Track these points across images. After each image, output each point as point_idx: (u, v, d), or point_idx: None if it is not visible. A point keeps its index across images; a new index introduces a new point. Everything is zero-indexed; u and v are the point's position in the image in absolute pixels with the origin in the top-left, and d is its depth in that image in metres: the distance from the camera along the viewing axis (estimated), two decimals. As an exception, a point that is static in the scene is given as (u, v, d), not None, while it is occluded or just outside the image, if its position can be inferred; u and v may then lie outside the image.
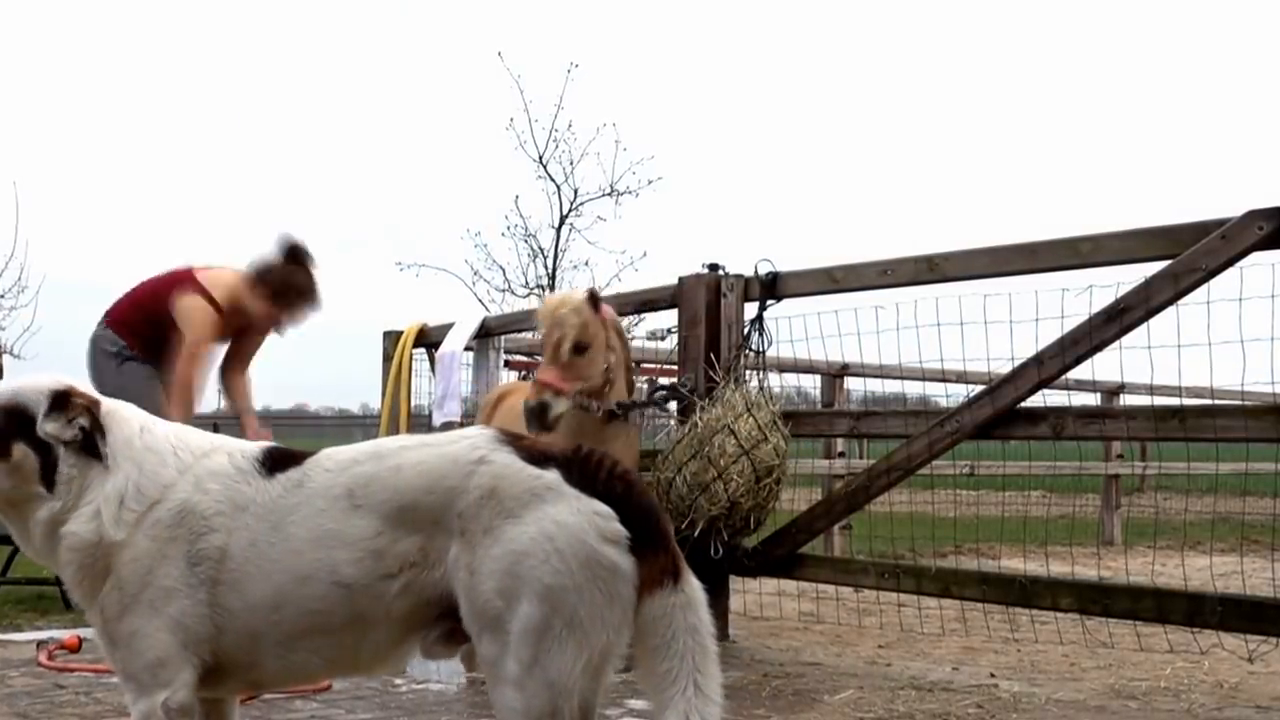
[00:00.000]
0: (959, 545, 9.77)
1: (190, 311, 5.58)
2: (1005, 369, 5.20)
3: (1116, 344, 4.89)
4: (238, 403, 6.03)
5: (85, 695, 4.73)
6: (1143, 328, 4.83)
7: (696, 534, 5.46)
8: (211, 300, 5.60)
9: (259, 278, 5.61)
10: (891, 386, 8.55)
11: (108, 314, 5.84)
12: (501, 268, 13.89)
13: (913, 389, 8.14)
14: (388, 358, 7.59)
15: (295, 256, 5.64)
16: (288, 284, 5.59)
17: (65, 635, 5.68)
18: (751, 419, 5.43)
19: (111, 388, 5.43)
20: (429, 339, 7.52)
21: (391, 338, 7.62)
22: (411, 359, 7.55)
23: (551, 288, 13.16)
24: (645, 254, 13.80)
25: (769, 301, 5.86)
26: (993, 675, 5.29)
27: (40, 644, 5.55)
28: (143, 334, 5.72)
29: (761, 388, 5.72)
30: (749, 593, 6.41)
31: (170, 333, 5.58)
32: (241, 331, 5.83)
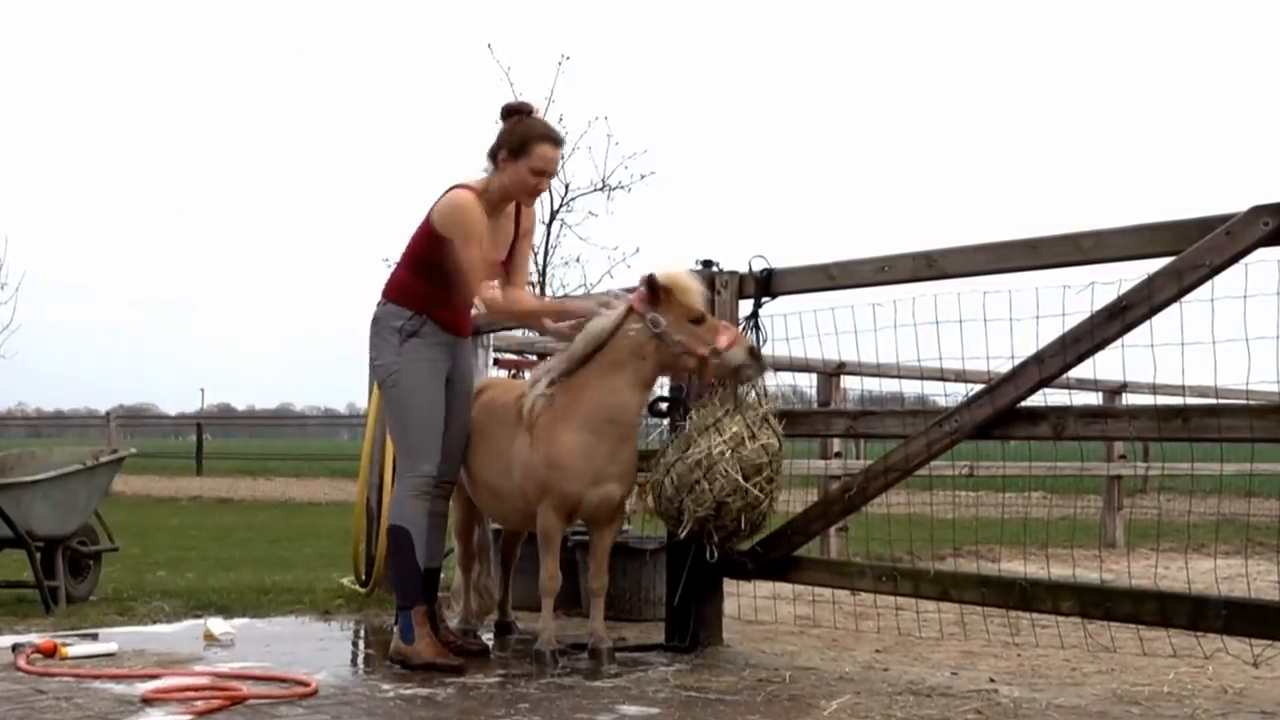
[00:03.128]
0: (958, 547, 9.68)
1: (451, 204, 5.38)
2: (1005, 368, 5.11)
3: (1119, 342, 4.80)
4: (538, 311, 5.79)
5: (65, 700, 4.63)
6: (1145, 325, 4.74)
7: (684, 535, 5.38)
8: (468, 188, 5.41)
9: (494, 153, 5.47)
10: (889, 385, 8.44)
11: (385, 290, 5.58)
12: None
13: (911, 388, 8.04)
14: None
15: (512, 111, 5.55)
16: (519, 134, 5.42)
17: (41, 639, 5.60)
18: (740, 417, 5.33)
19: (386, 371, 5.47)
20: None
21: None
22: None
23: (542, 285, 13.04)
24: (638, 250, 13.69)
25: (764, 299, 5.78)
26: (992, 680, 5.19)
27: (16, 647, 5.45)
28: (427, 291, 5.47)
29: (754, 386, 5.62)
30: (743, 596, 6.31)
31: (454, 269, 5.38)
32: (508, 245, 5.64)
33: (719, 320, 5.44)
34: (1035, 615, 5.55)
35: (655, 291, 5.27)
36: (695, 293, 5.31)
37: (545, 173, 5.53)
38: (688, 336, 5.25)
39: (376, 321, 5.57)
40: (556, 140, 5.55)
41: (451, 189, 5.45)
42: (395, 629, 5.49)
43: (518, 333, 7.45)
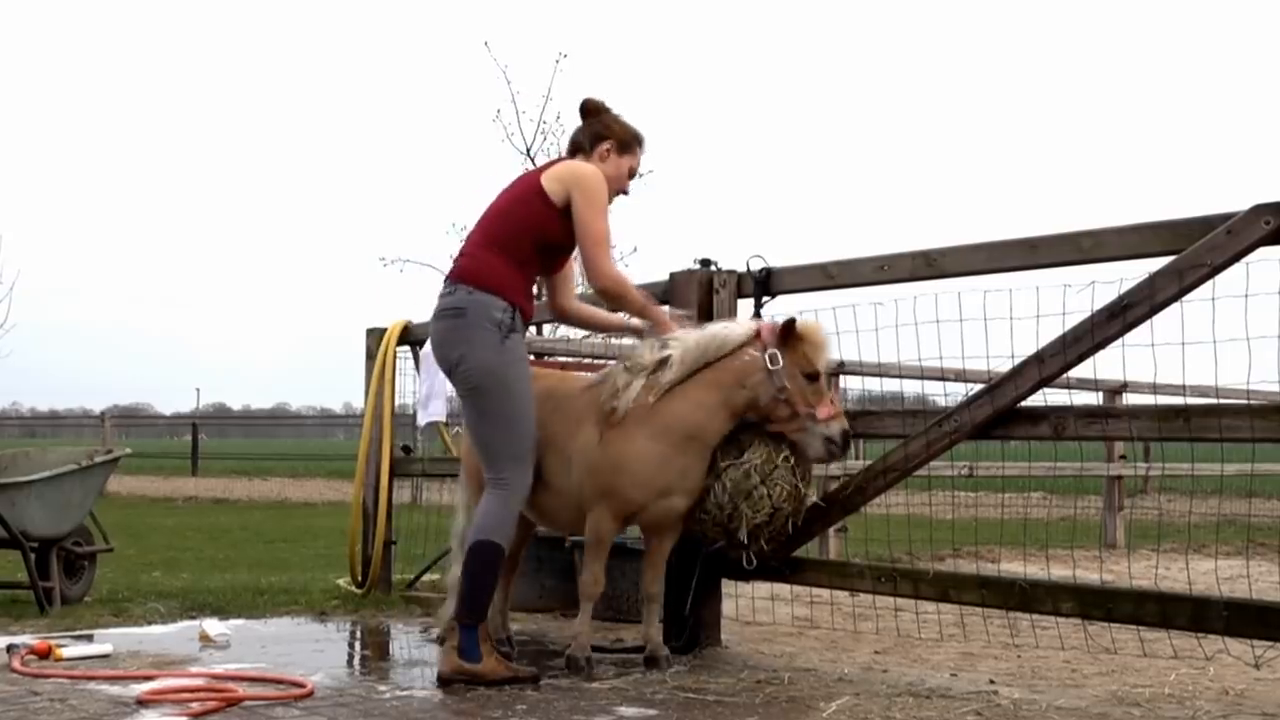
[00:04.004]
0: (958, 549, 9.65)
1: (576, 170, 5.06)
2: (1005, 367, 5.08)
3: (1120, 341, 4.78)
4: (602, 322, 5.58)
5: (60, 702, 4.59)
6: (1146, 325, 4.71)
7: (739, 542, 5.27)
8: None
9: (591, 143, 5.21)
10: (890, 385, 8.42)
11: (473, 275, 5.01)
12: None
13: (911, 387, 7.99)
14: (371, 356, 7.46)
15: (598, 107, 5.30)
16: (631, 131, 5.24)
17: (35, 640, 5.56)
18: None
19: (485, 370, 4.92)
20: (413, 336, 7.39)
21: (375, 335, 7.49)
22: (395, 357, 7.43)
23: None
24: (635, 249, 13.58)
25: (764, 299, 5.74)
26: (992, 681, 5.16)
27: (11, 648, 5.42)
28: (524, 282, 5.08)
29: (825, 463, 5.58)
30: (741, 597, 6.28)
31: (551, 233, 5.04)
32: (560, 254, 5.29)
33: (832, 393, 5.25)
34: (1035, 616, 5.52)
35: (788, 332, 5.12)
36: (824, 350, 5.19)
37: (634, 175, 5.35)
38: (795, 387, 5.11)
39: (465, 312, 4.96)
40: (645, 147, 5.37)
41: (557, 162, 5.21)
42: (451, 646, 5.04)
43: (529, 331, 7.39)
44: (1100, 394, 10.07)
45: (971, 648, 5.94)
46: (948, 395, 5.77)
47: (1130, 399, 10.01)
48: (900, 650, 5.94)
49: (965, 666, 5.55)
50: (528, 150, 12.72)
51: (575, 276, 5.64)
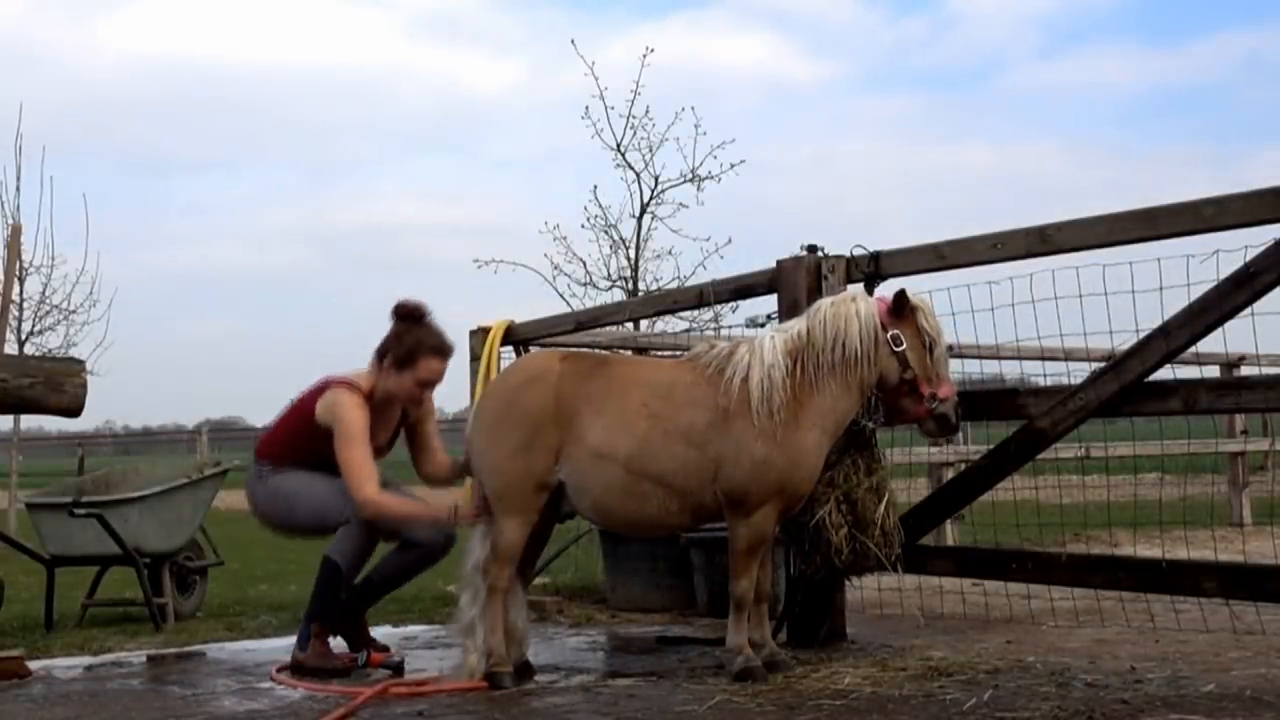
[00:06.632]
0: (1077, 534, 9.38)
1: (335, 403, 5.42)
2: (1129, 342, 4.95)
3: (1248, 311, 4.64)
4: (438, 477, 5.81)
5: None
6: (1276, 292, 4.56)
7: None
8: (354, 388, 5.46)
9: (379, 355, 5.49)
10: (989, 366, 8.23)
11: (258, 446, 5.75)
12: (583, 260, 13.50)
13: (1030, 369, 7.77)
14: (475, 357, 7.38)
15: (402, 315, 5.50)
16: (407, 345, 5.43)
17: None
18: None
19: (265, 499, 5.60)
20: (516, 336, 7.31)
21: (479, 336, 7.41)
22: (499, 358, 7.33)
23: (635, 280, 12.80)
24: (730, 240, 13.34)
25: (875, 282, 5.61)
26: (1133, 668, 4.95)
27: None
28: (299, 458, 5.54)
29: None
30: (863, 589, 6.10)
31: (326, 446, 5.40)
32: (405, 420, 5.68)
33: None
34: (1174, 599, 5.31)
35: (901, 305, 4.97)
36: (936, 318, 5.05)
37: (431, 384, 5.52)
38: (919, 363, 4.96)
39: (249, 482, 5.75)
40: (444, 353, 5.52)
41: (337, 385, 5.47)
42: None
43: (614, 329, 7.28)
44: (1216, 368, 9.77)
45: (1107, 634, 5.73)
46: (1071, 374, 5.60)
47: (1246, 371, 9.73)
48: (1032, 639, 5.72)
49: (1103, 653, 5.33)
50: (618, 145, 12.57)
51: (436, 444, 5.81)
